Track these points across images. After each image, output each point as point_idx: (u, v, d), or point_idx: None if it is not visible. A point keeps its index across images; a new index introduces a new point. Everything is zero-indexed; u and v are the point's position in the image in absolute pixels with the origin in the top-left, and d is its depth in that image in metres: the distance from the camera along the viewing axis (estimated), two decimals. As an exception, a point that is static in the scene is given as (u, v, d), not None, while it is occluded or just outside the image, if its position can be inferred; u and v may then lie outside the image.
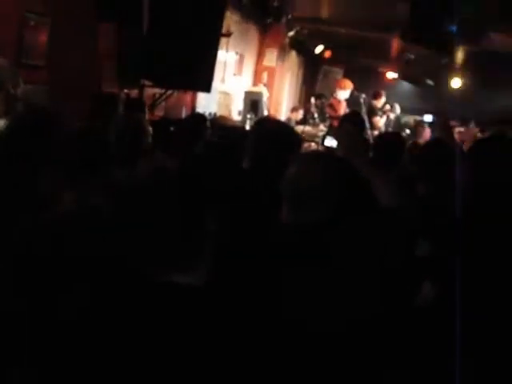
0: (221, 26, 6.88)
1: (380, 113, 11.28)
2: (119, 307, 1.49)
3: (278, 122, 3.16)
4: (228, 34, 8.23)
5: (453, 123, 12.16)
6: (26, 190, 2.17)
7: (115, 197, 2.01)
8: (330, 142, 4.41)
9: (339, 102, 10.29)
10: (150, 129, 3.48)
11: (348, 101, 11.51)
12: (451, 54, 8.96)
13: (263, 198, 2.35)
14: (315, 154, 2.10)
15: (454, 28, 8.14)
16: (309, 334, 1.65)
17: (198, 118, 4.82)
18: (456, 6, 7.83)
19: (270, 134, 2.60)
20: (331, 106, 10.35)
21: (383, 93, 11.65)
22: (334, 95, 10.49)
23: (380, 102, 11.37)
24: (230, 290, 1.72)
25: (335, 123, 9.79)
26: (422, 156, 3.28)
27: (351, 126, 3.36)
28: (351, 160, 2.42)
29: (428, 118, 11.32)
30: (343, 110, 10.22)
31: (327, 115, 10.60)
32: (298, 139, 2.78)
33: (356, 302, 1.81)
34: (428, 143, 3.58)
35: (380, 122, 11.30)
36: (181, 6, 6.18)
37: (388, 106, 11.60)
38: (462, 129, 9.79)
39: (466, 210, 2.19)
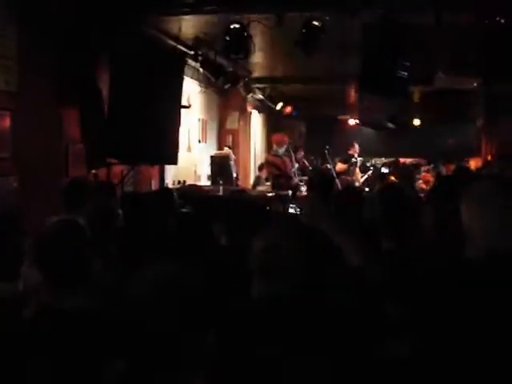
0: (180, 99, 7.04)
1: (349, 160, 11.57)
2: None
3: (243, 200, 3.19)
4: (188, 106, 8.41)
5: (420, 162, 12.49)
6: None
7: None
8: (293, 210, 4.52)
9: (281, 159, 10.18)
10: (120, 212, 3.54)
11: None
12: (406, 98, 9.23)
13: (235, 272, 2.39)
14: (281, 226, 2.15)
15: (406, 73, 8.42)
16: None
17: (165, 193, 4.86)
18: (406, 54, 8.16)
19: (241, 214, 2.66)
20: (274, 165, 10.17)
21: (355, 143, 11.99)
22: (273, 153, 10.47)
23: (352, 150, 11.69)
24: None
25: (282, 181, 9.78)
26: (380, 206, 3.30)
27: (314, 192, 3.42)
28: (317, 225, 2.49)
29: (385, 170, 11.84)
30: (285, 166, 10.15)
31: (269, 175, 10.45)
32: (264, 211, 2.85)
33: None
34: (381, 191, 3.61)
35: (343, 169, 11.54)
36: (140, 85, 6.33)
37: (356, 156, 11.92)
38: (427, 167, 10.00)
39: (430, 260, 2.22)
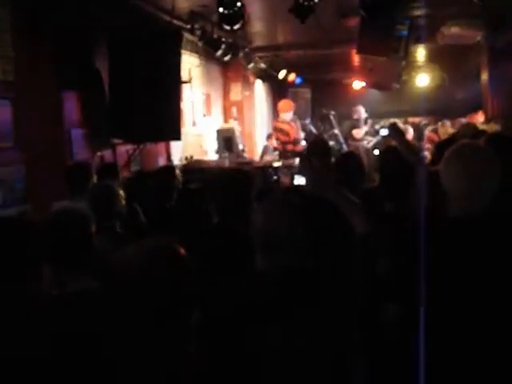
0: (179, 74, 7.01)
1: (359, 124, 11.49)
2: None
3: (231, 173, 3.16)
4: (188, 81, 8.37)
5: (430, 120, 12.39)
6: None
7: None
8: (299, 180, 4.51)
9: (289, 124, 10.29)
10: (122, 193, 3.57)
11: (318, 119, 11.74)
12: (407, 57, 9.13)
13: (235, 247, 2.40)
14: (282, 197, 2.13)
15: (405, 32, 8.32)
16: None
17: (167, 171, 4.89)
18: (405, 11, 8.04)
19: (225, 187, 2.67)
20: (281, 130, 10.30)
21: (358, 105, 11.92)
22: (280, 119, 10.51)
23: (356, 114, 11.60)
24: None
25: (289, 147, 9.85)
26: (380, 170, 3.32)
27: (316, 160, 3.41)
28: (322, 193, 2.48)
29: (384, 131, 11.84)
30: (294, 132, 10.26)
31: (278, 141, 10.57)
32: (251, 181, 2.83)
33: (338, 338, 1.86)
34: (381, 154, 3.60)
35: (359, 133, 11.49)
36: (139, 63, 6.32)
37: (366, 116, 11.85)
38: (434, 127, 9.92)
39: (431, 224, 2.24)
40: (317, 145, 4.29)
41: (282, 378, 1.76)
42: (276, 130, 10.69)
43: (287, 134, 10.39)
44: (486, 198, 2.15)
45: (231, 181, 2.77)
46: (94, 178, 4.52)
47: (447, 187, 2.19)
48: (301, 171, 4.67)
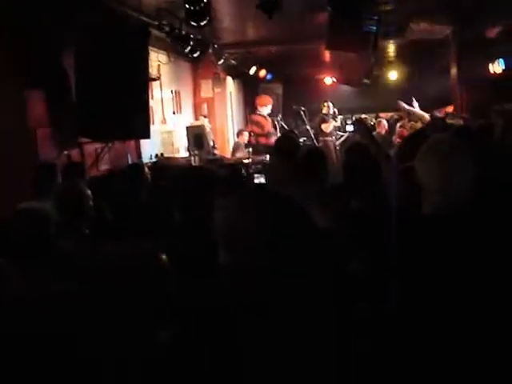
0: (147, 71, 6.94)
1: (328, 118, 11.58)
2: None
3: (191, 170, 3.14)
4: (157, 78, 8.30)
5: (402, 116, 12.46)
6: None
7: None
8: (259, 179, 4.50)
9: (265, 117, 10.56)
10: (89, 192, 3.51)
11: (290, 115, 11.83)
12: (377, 52, 9.17)
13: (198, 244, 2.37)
14: (244, 194, 2.12)
15: (374, 27, 8.33)
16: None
17: (135, 169, 4.84)
18: (372, 7, 8.05)
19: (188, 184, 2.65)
20: (257, 123, 10.56)
21: (327, 100, 12.01)
22: (258, 111, 10.79)
23: (325, 109, 11.70)
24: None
25: (262, 140, 10.01)
26: (344, 166, 3.31)
27: (281, 156, 3.39)
28: (283, 190, 2.46)
29: (349, 127, 12.02)
30: (269, 125, 10.48)
31: (251, 134, 10.84)
32: (212, 178, 2.81)
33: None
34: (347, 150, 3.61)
35: (328, 127, 11.58)
36: (106, 60, 6.22)
37: (336, 111, 11.93)
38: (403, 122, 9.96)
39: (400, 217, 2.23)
40: (282, 141, 4.27)
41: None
42: (252, 122, 11.00)
43: (262, 126, 10.59)
44: (461, 193, 2.13)
45: (191, 178, 2.74)
46: (59, 178, 4.45)
47: (422, 183, 2.17)
48: (262, 169, 4.67)
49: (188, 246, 2.52)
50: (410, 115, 8.71)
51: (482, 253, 2.07)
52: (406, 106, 8.65)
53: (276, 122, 11.73)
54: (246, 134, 10.89)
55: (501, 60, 10.30)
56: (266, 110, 10.90)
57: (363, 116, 13.96)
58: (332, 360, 1.90)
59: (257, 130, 10.68)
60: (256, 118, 10.92)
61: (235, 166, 5.13)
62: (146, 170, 4.84)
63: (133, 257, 1.74)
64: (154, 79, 8.01)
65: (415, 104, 8.59)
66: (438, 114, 9.45)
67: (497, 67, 10.34)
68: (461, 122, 7.30)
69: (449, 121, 6.50)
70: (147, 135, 6.95)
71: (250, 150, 10.30)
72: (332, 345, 1.89)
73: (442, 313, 2.05)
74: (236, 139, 11.31)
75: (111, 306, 1.68)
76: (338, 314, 1.94)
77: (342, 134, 12.81)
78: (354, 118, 13.58)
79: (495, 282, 2.03)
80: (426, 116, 8.16)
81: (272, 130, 10.79)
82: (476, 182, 2.14)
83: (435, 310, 2.06)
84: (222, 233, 2.02)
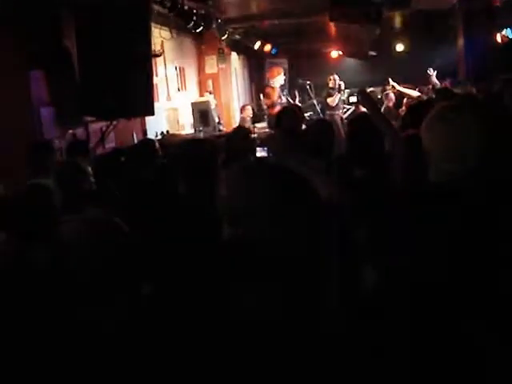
0: (150, 47, 6.89)
1: (333, 92, 11.46)
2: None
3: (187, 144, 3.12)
4: (160, 54, 8.24)
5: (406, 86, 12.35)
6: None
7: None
8: (261, 153, 4.47)
9: (273, 88, 10.60)
10: (89, 169, 3.51)
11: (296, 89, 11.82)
12: (381, 23, 9.05)
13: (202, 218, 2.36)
14: (246, 166, 2.09)
15: (379, -2, 8.23)
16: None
17: (146, 144, 4.82)
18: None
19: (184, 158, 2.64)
20: (267, 94, 10.65)
21: (333, 73, 11.89)
22: (270, 83, 10.86)
23: (331, 82, 11.58)
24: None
25: (272, 111, 10.02)
26: (348, 137, 3.29)
27: (283, 127, 3.37)
28: (286, 162, 2.44)
29: (353, 98, 11.97)
30: (277, 95, 10.56)
31: (264, 106, 10.92)
32: (210, 151, 2.79)
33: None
34: (351, 121, 3.58)
35: (334, 100, 11.47)
36: (108, 38, 6.17)
37: (341, 84, 11.81)
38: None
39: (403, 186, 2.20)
40: (285, 112, 4.23)
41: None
42: (263, 94, 11.11)
43: (270, 97, 10.63)
44: (469, 160, 2.09)
45: (194, 151, 2.72)
46: (63, 156, 4.43)
47: (429, 150, 2.14)
48: (264, 142, 4.64)
49: (191, 218, 2.51)
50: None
51: (488, 222, 2.04)
52: (397, 86, 8.82)
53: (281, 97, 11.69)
54: (248, 109, 10.82)
55: (508, 29, 10.17)
56: (276, 81, 10.91)
57: (371, 89, 13.83)
58: (335, 328, 1.89)
59: (267, 101, 10.79)
60: (266, 89, 11.04)
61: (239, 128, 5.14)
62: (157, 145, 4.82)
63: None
64: (157, 55, 7.93)
65: (433, 73, 8.76)
66: (426, 88, 9.46)
67: (504, 36, 10.21)
68: (473, 90, 7.27)
69: (457, 90, 6.44)
70: (151, 112, 6.92)
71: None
72: (340, 315, 1.88)
73: (446, 281, 2.04)
74: (240, 115, 11.27)
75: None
76: (343, 281, 1.93)
77: (348, 107, 12.70)
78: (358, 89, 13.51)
79: (497, 251, 2.01)
80: (414, 94, 8.37)
81: (278, 100, 10.75)
82: (484, 149, 2.11)
83: (439, 277, 2.05)
84: (225, 205, 2.02)
